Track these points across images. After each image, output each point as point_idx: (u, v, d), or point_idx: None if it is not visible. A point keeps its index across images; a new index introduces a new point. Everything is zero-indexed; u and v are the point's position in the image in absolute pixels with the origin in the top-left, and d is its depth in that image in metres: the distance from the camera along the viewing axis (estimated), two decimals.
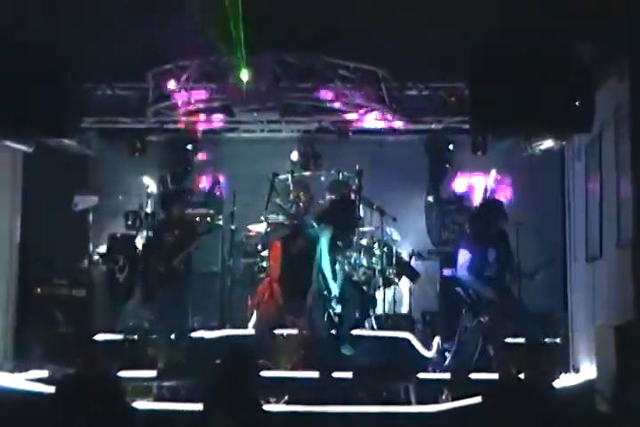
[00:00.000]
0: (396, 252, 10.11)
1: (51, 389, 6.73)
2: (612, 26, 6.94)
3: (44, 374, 8.32)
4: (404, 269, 10.22)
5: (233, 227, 10.27)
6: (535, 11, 7.09)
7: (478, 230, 7.99)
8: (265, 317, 8.43)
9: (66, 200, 10.36)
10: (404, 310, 10.31)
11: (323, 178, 10.63)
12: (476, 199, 10.81)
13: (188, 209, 10.43)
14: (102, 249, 10.56)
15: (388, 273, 9.98)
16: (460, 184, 11.15)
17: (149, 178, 10.92)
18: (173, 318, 8.63)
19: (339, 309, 8.53)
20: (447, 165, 11.11)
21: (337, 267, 8.55)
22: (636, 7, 6.56)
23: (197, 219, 10.63)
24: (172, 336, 8.61)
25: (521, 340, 7.75)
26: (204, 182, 11.22)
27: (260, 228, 10.08)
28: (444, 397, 7.71)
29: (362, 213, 10.29)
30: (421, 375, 8.12)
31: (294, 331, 8.60)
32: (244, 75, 8.25)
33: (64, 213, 10.34)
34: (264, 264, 9.86)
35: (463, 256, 7.89)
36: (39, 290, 9.76)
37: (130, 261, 10.26)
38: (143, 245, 10.23)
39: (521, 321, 7.87)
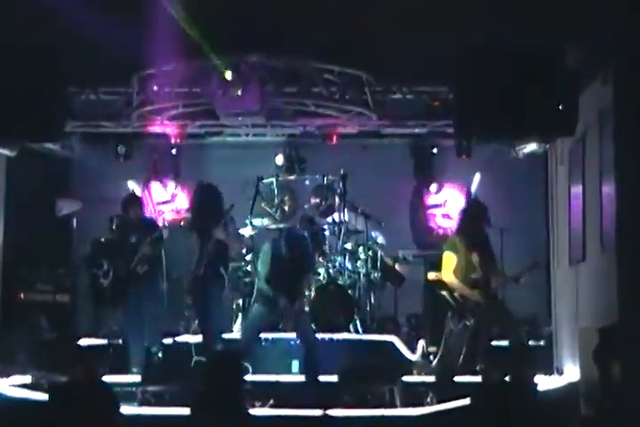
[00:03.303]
0: (381, 256, 10.13)
1: (34, 394, 6.71)
2: (595, 29, 6.97)
3: (28, 379, 8.28)
4: (389, 273, 10.24)
5: None
6: (519, 14, 7.12)
7: (463, 234, 8.02)
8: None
9: (49, 205, 10.31)
10: (389, 313, 10.33)
11: (307, 182, 10.65)
12: (461, 203, 10.84)
13: (171, 214, 10.45)
14: (86, 254, 10.52)
15: (372, 277, 10.00)
16: (444, 188, 11.19)
17: (134, 182, 10.89)
18: (137, 325, 8.60)
19: None
20: (432, 169, 11.15)
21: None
22: (620, 10, 6.60)
23: (182, 223, 10.63)
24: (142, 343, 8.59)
25: (506, 343, 7.77)
26: (189, 187, 11.19)
27: (245, 232, 10.08)
28: (428, 400, 7.73)
29: (347, 217, 10.32)
30: (406, 378, 8.14)
31: (281, 335, 8.58)
32: (229, 79, 8.24)
33: (47, 217, 10.30)
34: (249, 268, 9.86)
35: (448, 260, 7.92)
36: (22, 295, 9.71)
37: (114, 266, 10.21)
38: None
39: (505, 324, 7.90)
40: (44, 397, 6.02)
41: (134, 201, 9.14)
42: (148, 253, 8.60)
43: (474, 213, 8.21)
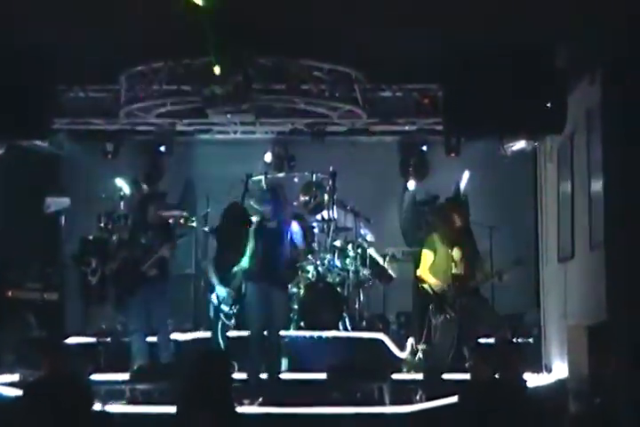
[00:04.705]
0: (370, 253, 10.12)
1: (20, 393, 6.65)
2: (584, 28, 6.99)
3: (16, 378, 8.24)
4: (378, 270, 10.24)
5: (206, 229, 10.24)
6: (508, 12, 7.13)
7: (442, 231, 8.05)
8: None
9: (37, 202, 10.28)
10: (379, 311, 10.33)
11: (296, 179, 10.64)
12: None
13: (162, 211, 10.39)
14: (74, 252, 10.48)
15: (361, 274, 10.00)
16: (433, 185, 11.18)
17: (122, 180, 10.86)
18: (148, 323, 8.54)
19: None
20: (420, 167, 11.14)
21: None
22: (608, 9, 6.62)
23: (171, 221, 10.60)
24: (153, 340, 8.54)
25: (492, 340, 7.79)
26: (178, 184, 11.17)
27: None
28: (417, 397, 7.74)
29: (336, 215, 10.32)
30: (395, 376, 8.15)
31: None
32: (218, 76, 8.22)
33: (36, 215, 10.27)
34: None
35: (425, 257, 7.96)
36: (11, 293, 9.67)
37: (102, 264, 10.18)
38: (116, 248, 10.15)
39: (490, 321, 7.93)
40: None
41: (153, 201, 9.04)
42: (166, 255, 8.54)
43: (450, 211, 8.24)
